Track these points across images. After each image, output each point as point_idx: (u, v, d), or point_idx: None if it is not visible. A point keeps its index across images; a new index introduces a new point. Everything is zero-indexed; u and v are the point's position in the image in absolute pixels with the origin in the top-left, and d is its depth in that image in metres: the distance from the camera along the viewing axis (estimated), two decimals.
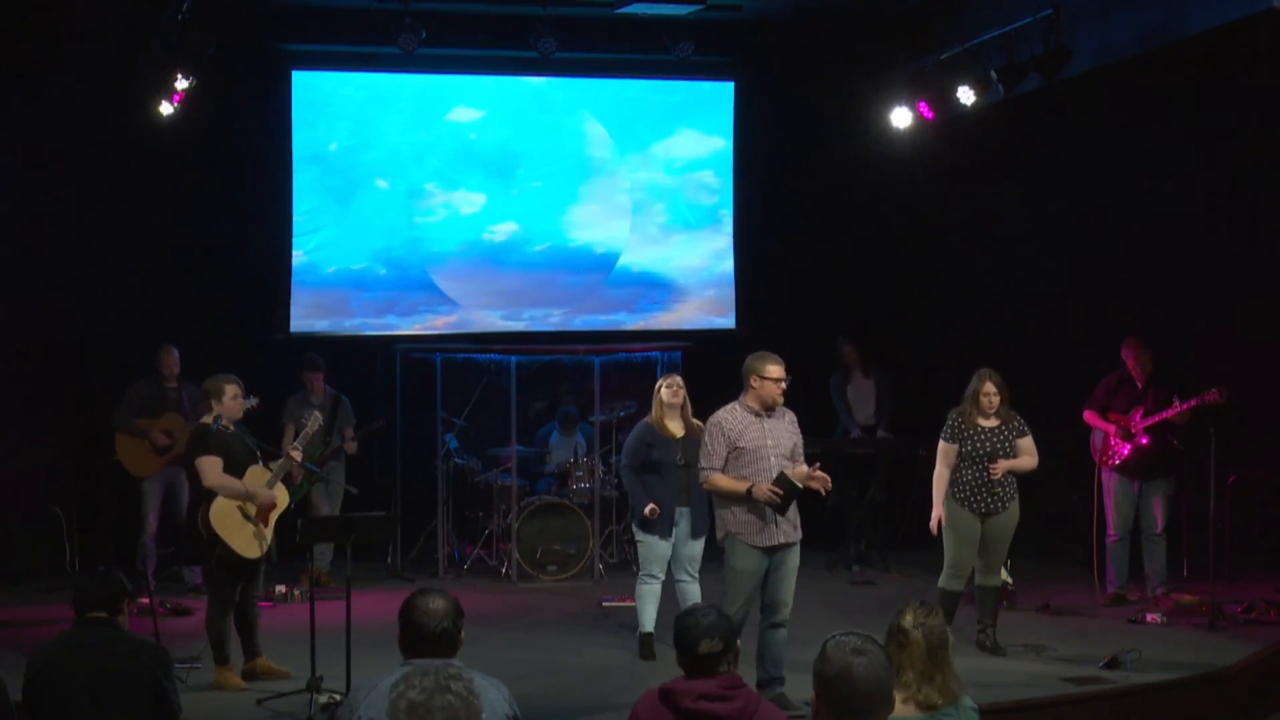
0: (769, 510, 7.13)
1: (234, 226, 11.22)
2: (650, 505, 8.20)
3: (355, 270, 11.69)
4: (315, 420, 8.54)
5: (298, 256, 11.52)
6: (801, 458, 7.40)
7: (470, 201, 11.91)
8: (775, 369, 7.25)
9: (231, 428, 7.73)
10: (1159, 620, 8.93)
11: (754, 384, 7.26)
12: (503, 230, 11.98)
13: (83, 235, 10.86)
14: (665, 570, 8.37)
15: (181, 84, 9.71)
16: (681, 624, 4.37)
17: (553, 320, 12.16)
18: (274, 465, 7.80)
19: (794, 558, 7.31)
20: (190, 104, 9.93)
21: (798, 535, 7.31)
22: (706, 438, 7.33)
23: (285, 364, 10.83)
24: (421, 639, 4.17)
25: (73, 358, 10.73)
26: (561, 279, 12.12)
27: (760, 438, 7.22)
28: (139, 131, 10.19)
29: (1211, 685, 7.66)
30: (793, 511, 7.25)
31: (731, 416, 7.29)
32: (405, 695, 3.09)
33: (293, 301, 11.54)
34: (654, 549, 8.31)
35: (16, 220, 10.44)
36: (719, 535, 7.40)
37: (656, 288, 12.36)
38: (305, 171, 11.53)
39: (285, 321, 11.53)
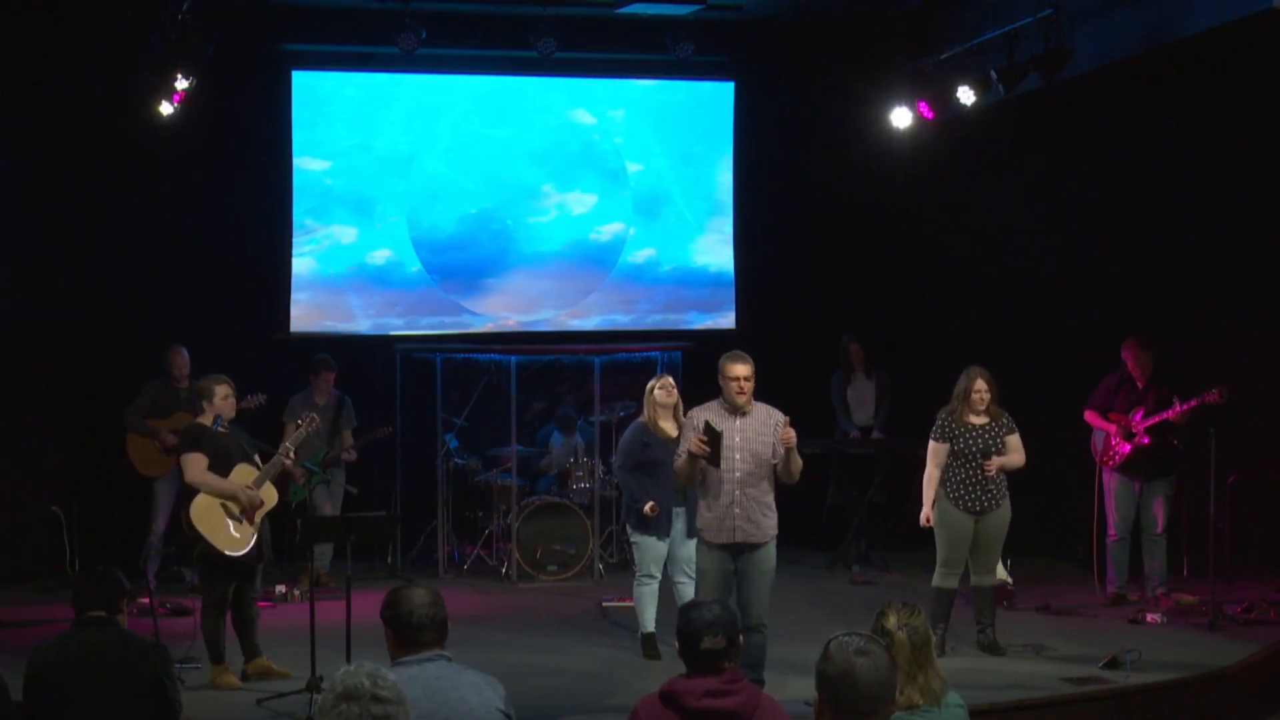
0: (726, 510, 7.21)
1: (234, 226, 11.22)
2: (650, 503, 8.20)
3: (355, 270, 11.69)
4: (312, 421, 8.56)
5: (298, 256, 11.52)
6: (784, 454, 7.33)
7: (476, 201, 11.92)
8: (736, 368, 7.27)
9: (228, 428, 7.78)
10: (1159, 620, 8.93)
11: (720, 382, 7.34)
12: (500, 227, 12.00)
13: (83, 235, 10.86)
14: (662, 570, 8.38)
15: (181, 84, 9.71)
16: (684, 618, 4.35)
17: (551, 321, 12.15)
18: (265, 465, 7.82)
19: (763, 561, 7.30)
20: (190, 104, 9.92)
21: (764, 536, 7.29)
22: (684, 429, 7.49)
23: (286, 364, 10.83)
24: (412, 628, 4.16)
25: (73, 358, 10.73)
26: (554, 276, 12.12)
27: (728, 436, 7.24)
28: (139, 131, 10.19)
29: (1211, 685, 7.66)
30: (756, 512, 7.26)
31: (705, 413, 7.34)
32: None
33: (293, 302, 11.54)
34: (650, 550, 8.32)
35: (16, 220, 10.44)
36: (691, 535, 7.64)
37: (657, 287, 12.36)
38: (305, 172, 11.53)
39: (285, 321, 11.53)
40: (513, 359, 10.90)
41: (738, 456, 7.23)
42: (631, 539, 8.50)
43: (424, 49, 10.75)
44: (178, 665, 6.58)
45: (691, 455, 7.19)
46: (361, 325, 11.72)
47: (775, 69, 12.06)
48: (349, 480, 9.48)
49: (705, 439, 7.11)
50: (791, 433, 7.22)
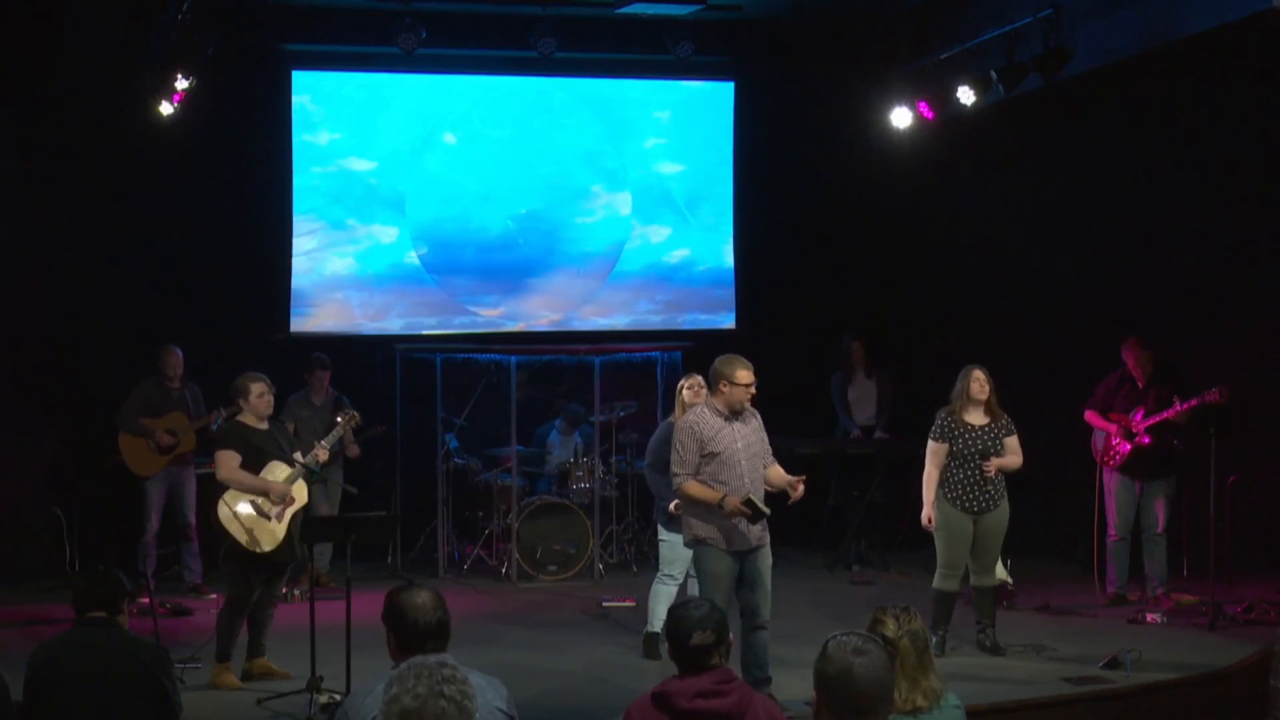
0: (739, 519, 7.15)
1: (234, 226, 11.23)
2: (676, 501, 8.17)
3: (392, 270, 11.71)
4: (352, 418, 8.61)
5: (297, 256, 11.52)
6: (770, 458, 7.40)
7: (478, 203, 11.93)
8: (745, 374, 7.21)
9: (266, 425, 7.81)
10: (1159, 620, 8.93)
11: (723, 388, 7.23)
12: (504, 229, 12.00)
13: (83, 235, 10.86)
14: (685, 573, 8.33)
15: (181, 84, 9.72)
16: (674, 616, 4.39)
17: (548, 322, 12.16)
18: (298, 462, 7.82)
19: (765, 559, 7.30)
20: (190, 104, 9.93)
21: (766, 536, 7.32)
22: (677, 443, 7.30)
23: (285, 364, 10.81)
24: (416, 634, 4.13)
25: (73, 358, 10.73)
26: (555, 277, 12.12)
27: (731, 441, 7.21)
28: (139, 131, 10.20)
29: (1211, 685, 7.66)
30: None
31: (702, 420, 7.26)
32: (399, 700, 3.09)
33: (292, 301, 11.54)
34: (678, 548, 8.24)
35: (16, 220, 10.44)
36: (685, 539, 7.44)
37: (657, 287, 12.36)
38: (305, 172, 11.53)
39: (285, 321, 11.53)
40: (513, 359, 10.90)
41: (744, 462, 7.20)
42: (660, 537, 8.46)
43: (424, 49, 10.76)
44: (178, 665, 6.60)
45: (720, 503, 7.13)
46: (393, 325, 11.76)
47: (775, 69, 12.06)
48: (348, 480, 9.46)
49: (748, 510, 7.05)
50: (801, 489, 7.25)
